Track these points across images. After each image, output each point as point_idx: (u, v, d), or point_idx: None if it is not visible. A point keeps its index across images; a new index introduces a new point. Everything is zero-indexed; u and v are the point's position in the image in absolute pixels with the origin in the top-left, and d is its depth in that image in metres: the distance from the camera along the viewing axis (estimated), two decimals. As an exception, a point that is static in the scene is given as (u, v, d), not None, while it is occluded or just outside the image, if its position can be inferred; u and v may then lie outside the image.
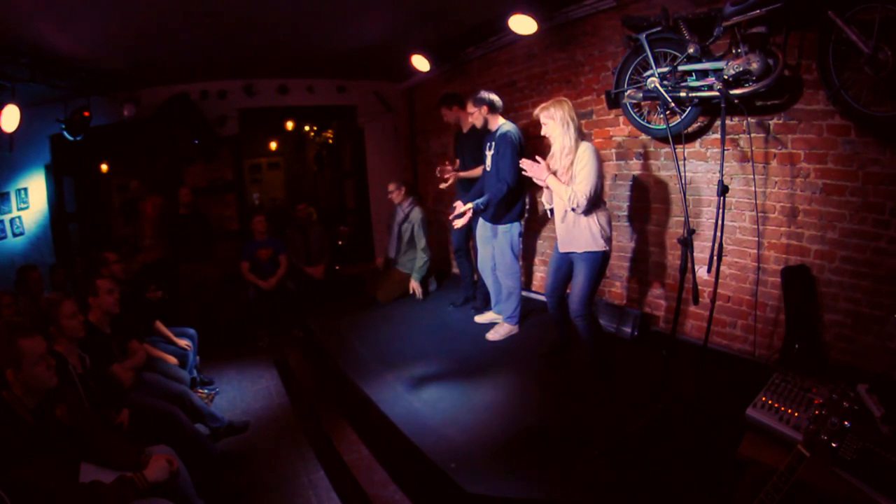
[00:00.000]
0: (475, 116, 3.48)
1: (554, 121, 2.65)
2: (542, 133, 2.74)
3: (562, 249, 2.81)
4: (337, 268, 5.75)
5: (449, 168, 4.02)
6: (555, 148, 2.73)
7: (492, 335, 3.63)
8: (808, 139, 2.57)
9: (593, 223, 2.65)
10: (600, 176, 2.63)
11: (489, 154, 3.46)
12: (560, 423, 2.51)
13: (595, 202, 2.64)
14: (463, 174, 3.93)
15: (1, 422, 1.66)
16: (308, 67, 5.27)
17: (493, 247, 3.64)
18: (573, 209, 2.62)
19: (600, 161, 2.66)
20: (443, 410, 2.67)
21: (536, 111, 2.73)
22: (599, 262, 2.69)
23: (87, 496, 1.61)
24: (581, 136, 2.68)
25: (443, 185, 3.97)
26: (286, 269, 4.86)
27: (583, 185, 2.56)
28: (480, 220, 3.70)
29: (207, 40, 3.93)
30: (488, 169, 3.48)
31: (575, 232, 2.69)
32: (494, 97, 3.46)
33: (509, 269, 3.57)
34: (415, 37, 4.36)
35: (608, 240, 2.69)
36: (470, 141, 3.93)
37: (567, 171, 2.65)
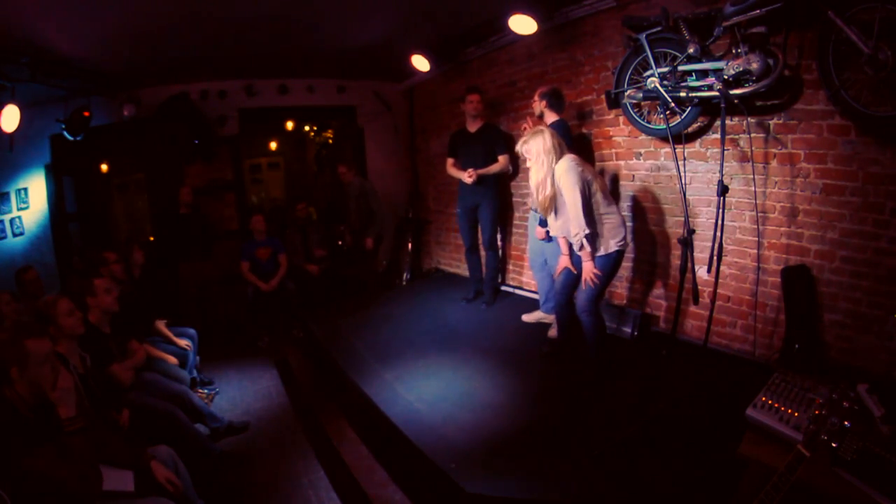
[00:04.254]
0: (535, 105, 3.46)
1: (531, 157, 2.65)
2: (526, 166, 2.73)
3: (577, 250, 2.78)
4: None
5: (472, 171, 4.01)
6: (531, 183, 2.72)
7: (527, 317, 3.89)
8: (808, 139, 2.57)
9: (603, 230, 2.64)
10: (584, 183, 2.56)
11: None
12: (560, 423, 2.51)
13: (592, 209, 2.61)
14: (482, 171, 3.98)
15: (2, 418, 1.67)
16: (308, 67, 5.26)
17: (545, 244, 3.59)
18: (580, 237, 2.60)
19: (578, 175, 2.55)
20: (443, 410, 2.67)
21: (518, 146, 2.71)
22: (611, 262, 2.67)
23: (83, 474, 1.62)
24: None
25: (468, 179, 4.00)
26: (286, 269, 4.86)
27: (575, 223, 2.56)
28: (533, 215, 3.72)
29: (207, 40, 3.93)
30: None
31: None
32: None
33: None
34: (415, 37, 4.36)
35: (619, 240, 2.65)
36: (478, 141, 4.02)
37: (546, 209, 2.69)
